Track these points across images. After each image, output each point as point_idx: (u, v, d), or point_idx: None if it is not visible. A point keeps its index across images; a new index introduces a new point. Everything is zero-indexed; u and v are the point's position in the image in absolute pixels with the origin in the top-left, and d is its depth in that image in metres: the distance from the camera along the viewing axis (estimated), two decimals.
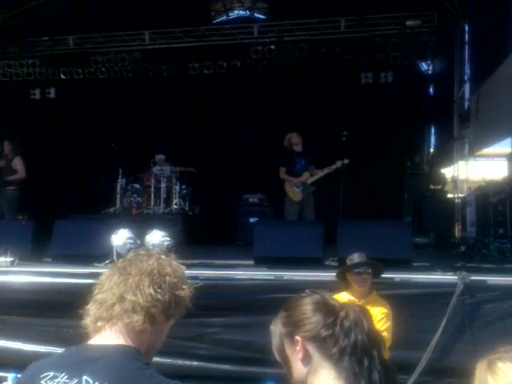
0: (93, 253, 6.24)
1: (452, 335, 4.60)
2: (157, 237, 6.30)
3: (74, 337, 5.11)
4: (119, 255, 6.07)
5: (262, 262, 5.94)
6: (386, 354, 3.75)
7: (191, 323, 4.67)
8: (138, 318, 1.40)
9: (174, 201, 9.81)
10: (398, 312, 4.03)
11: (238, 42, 11.48)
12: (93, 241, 6.32)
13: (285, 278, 5.16)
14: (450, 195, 10.31)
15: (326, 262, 6.00)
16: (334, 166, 7.75)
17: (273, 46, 11.27)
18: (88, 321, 1.46)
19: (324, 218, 7.51)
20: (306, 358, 1.28)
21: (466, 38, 10.17)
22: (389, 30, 10.87)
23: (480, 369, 1.37)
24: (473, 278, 4.73)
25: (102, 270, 5.66)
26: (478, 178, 9.49)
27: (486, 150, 10.08)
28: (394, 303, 4.03)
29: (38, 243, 6.79)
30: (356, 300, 3.87)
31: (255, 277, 5.26)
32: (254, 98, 11.70)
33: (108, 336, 1.42)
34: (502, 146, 9.07)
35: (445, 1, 10.36)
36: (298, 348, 1.28)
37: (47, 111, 12.50)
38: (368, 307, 3.77)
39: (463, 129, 9.68)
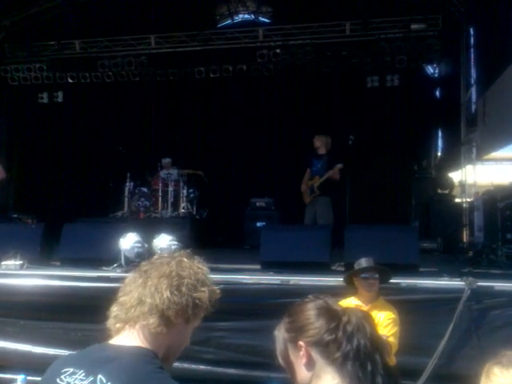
0: (101, 256, 6.30)
1: (459, 341, 4.59)
2: (164, 241, 6.34)
3: (81, 340, 5.17)
4: (127, 259, 6.13)
5: (269, 266, 5.96)
6: (393, 360, 3.77)
7: (198, 327, 4.67)
8: (153, 321, 1.41)
9: (182, 205, 9.84)
10: (405, 317, 4.02)
11: (243, 46, 11.52)
12: (101, 244, 6.37)
13: (291, 282, 5.17)
14: (457, 200, 10.26)
15: (333, 267, 6.01)
16: (331, 172, 7.79)
17: (278, 50, 11.28)
18: (109, 322, 1.48)
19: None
20: (310, 363, 1.29)
21: (472, 41, 10.15)
22: (394, 33, 10.85)
23: (482, 374, 1.38)
24: (480, 283, 4.72)
25: (110, 273, 5.76)
26: (486, 182, 9.44)
27: (494, 154, 10.05)
28: (400, 308, 4.02)
29: (47, 246, 6.85)
30: (363, 305, 3.87)
31: (262, 281, 5.28)
32: (261, 101, 11.74)
33: (126, 337, 1.44)
34: (510, 150, 9.04)
35: (450, 5, 10.35)
36: (301, 353, 1.30)
37: (55, 115, 12.59)
38: (375, 312, 3.78)
39: (470, 132, 9.64)
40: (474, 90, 10.04)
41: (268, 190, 10.63)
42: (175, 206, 9.84)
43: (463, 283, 4.73)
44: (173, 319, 1.43)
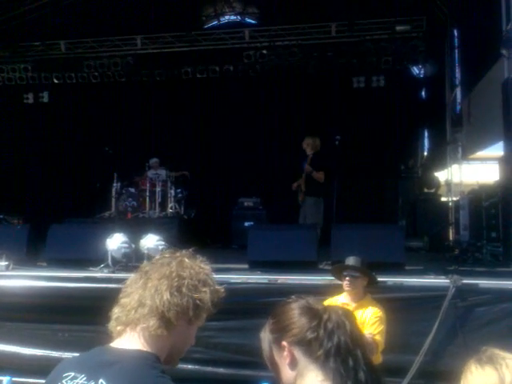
0: (88, 257, 6.27)
1: (444, 338, 4.63)
2: (151, 241, 6.32)
3: (69, 340, 5.14)
4: (114, 259, 6.10)
5: (257, 265, 5.97)
6: (379, 358, 3.80)
7: None
8: (153, 323, 1.39)
9: (170, 205, 9.81)
10: (391, 315, 4.04)
11: (230, 47, 11.55)
12: (88, 245, 6.34)
13: (279, 281, 5.20)
14: (443, 199, 10.38)
15: (320, 266, 6.03)
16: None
17: (265, 51, 11.33)
18: (111, 324, 1.46)
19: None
20: (293, 363, 1.30)
21: (456, 42, 10.28)
22: (379, 34, 10.98)
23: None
24: (465, 281, 4.77)
25: (97, 273, 5.73)
26: (471, 182, 9.55)
27: (479, 154, 10.17)
28: (386, 307, 4.03)
29: (33, 247, 6.80)
30: (350, 303, 3.89)
31: (250, 280, 5.30)
32: (248, 102, 11.77)
33: (128, 340, 1.42)
34: (495, 150, 9.15)
35: (434, 6, 10.47)
36: (285, 353, 1.31)
37: (41, 115, 12.50)
38: (361, 310, 3.81)
39: (456, 132, 9.75)
40: (458, 91, 10.17)
41: (255, 189, 10.65)
42: (163, 206, 9.81)
43: (448, 281, 4.78)
44: (173, 321, 1.40)
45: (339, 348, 1.25)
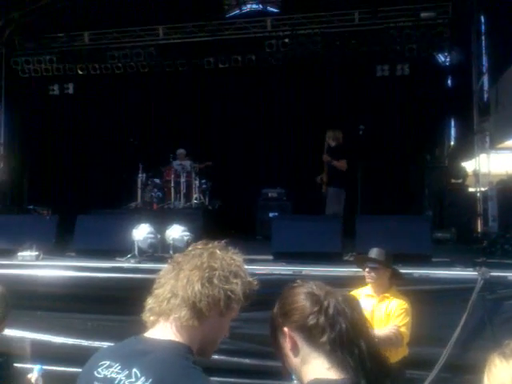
0: (114, 247, 6.38)
1: (472, 331, 4.59)
2: (177, 231, 6.40)
3: (98, 330, 5.25)
4: (140, 249, 6.20)
5: (281, 256, 5.99)
6: (405, 350, 3.79)
7: None
8: (184, 313, 1.40)
9: (194, 195, 9.88)
10: (418, 308, 4.02)
11: (252, 36, 11.48)
12: (114, 235, 6.46)
13: (303, 272, 5.21)
14: (471, 189, 10.18)
15: (345, 257, 6.02)
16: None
17: (287, 40, 11.21)
18: (145, 315, 1.48)
19: (344, 213, 7.56)
20: (295, 349, 1.31)
21: (483, 28, 10.00)
22: (403, 22, 10.75)
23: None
24: (493, 273, 4.71)
25: (124, 264, 5.82)
26: (500, 172, 9.35)
27: (508, 143, 9.93)
28: (413, 299, 4.01)
29: (62, 238, 6.96)
30: (374, 295, 3.89)
31: (274, 272, 5.31)
32: (271, 91, 11.72)
33: (161, 330, 1.44)
34: None
35: None
36: (286, 339, 1.32)
37: (66, 107, 12.65)
38: (386, 302, 3.80)
39: (483, 121, 9.53)
40: (485, 78, 9.92)
41: (280, 180, 10.64)
42: (188, 196, 9.88)
43: (476, 273, 4.73)
44: (205, 312, 1.41)
45: (341, 335, 1.25)
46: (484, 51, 10.00)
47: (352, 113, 10.85)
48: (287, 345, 1.32)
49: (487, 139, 9.23)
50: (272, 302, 1.46)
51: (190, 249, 1.55)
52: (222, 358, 4.98)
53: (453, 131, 11.86)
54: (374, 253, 4.02)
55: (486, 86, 9.91)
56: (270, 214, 9.24)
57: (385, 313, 3.81)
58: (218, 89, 12.00)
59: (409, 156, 10.74)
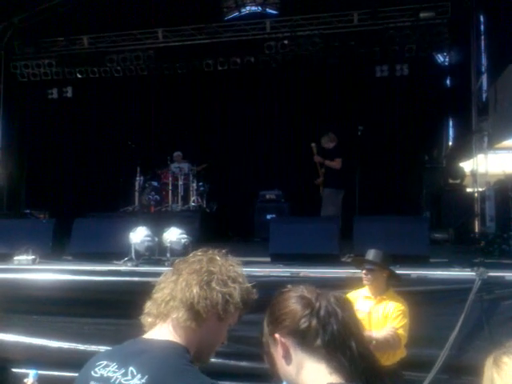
0: (112, 250, 6.36)
1: (470, 332, 4.56)
2: (174, 234, 6.38)
3: (95, 333, 5.21)
4: (137, 252, 6.17)
5: (279, 258, 5.97)
6: (403, 352, 3.76)
7: None
8: (182, 314, 1.43)
9: (192, 198, 9.87)
10: (415, 309, 3.99)
11: (251, 38, 11.48)
12: (111, 239, 6.44)
13: (301, 274, 5.18)
14: (468, 189, 10.16)
15: (343, 259, 5.99)
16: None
17: (286, 41, 11.23)
18: (143, 318, 1.51)
19: (342, 213, 7.54)
20: (288, 356, 1.26)
21: (482, 28, 10.00)
22: (402, 22, 10.76)
23: (487, 364, 1.35)
24: (491, 274, 4.68)
25: (121, 267, 5.80)
26: (498, 172, 9.32)
27: (506, 143, 9.91)
28: (411, 300, 3.99)
29: (59, 241, 6.93)
30: (372, 297, 3.87)
31: (272, 274, 5.29)
32: (270, 93, 11.71)
33: (158, 331, 1.47)
34: None
35: None
36: (278, 346, 1.28)
37: (65, 110, 12.68)
38: (384, 304, 3.78)
39: (482, 121, 9.52)
40: (484, 78, 9.90)
41: (277, 182, 10.63)
42: (185, 199, 9.88)
43: (474, 274, 4.70)
44: (202, 313, 1.44)
45: (334, 337, 1.22)
46: (483, 51, 9.99)
47: (351, 113, 10.84)
48: (279, 352, 1.27)
49: (485, 139, 9.21)
50: (270, 303, 1.43)
51: (190, 255, 1.58)
52: (219, 360, 4.96)
53: (451, 131, 11.85)
54: (371, 255, 3.99)
55: (484, 86, 9.90)
56: (268, 216, 9.22)
57: (382, 315, 3.78)
58: (217, 91, 12.00)
59: (407, 156, 10.73)
